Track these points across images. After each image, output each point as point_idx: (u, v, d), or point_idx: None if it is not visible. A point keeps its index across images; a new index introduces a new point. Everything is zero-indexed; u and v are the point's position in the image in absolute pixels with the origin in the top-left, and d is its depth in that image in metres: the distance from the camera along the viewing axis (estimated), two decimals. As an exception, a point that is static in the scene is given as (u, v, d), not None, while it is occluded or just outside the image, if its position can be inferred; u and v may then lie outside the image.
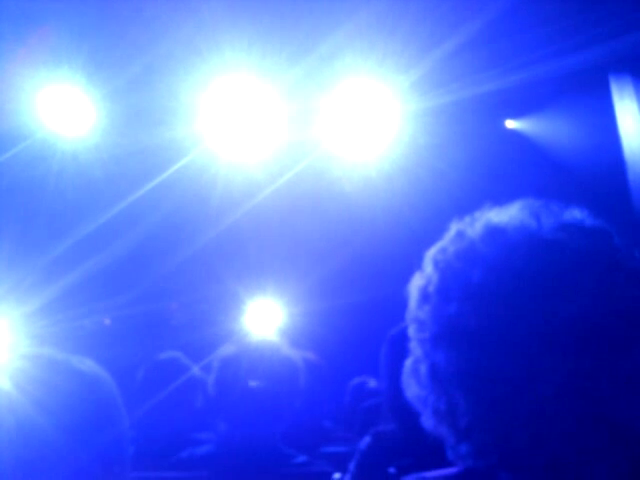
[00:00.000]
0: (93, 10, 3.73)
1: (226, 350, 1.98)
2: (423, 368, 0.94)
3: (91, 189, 4.90)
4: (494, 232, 0.91)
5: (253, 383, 1.84)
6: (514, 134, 5.19)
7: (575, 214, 0.92)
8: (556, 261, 0.85)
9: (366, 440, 1.86)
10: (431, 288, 0.94)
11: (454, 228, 0.98)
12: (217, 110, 4.49)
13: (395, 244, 5.19)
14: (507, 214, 0.93)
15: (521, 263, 0.86)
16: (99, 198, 4.94)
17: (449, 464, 0.93)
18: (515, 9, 3.59)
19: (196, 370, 2.63)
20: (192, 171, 4.79)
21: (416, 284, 0.99)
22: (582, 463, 0.80)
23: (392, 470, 1.60)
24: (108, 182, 4.83)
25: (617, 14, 3.60)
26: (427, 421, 0.95)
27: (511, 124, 5.21)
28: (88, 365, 1.22)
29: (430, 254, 0.99)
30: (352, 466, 1.80)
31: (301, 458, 1.86)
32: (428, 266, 0.97)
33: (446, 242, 0.97)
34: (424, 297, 0.96)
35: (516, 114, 5.14)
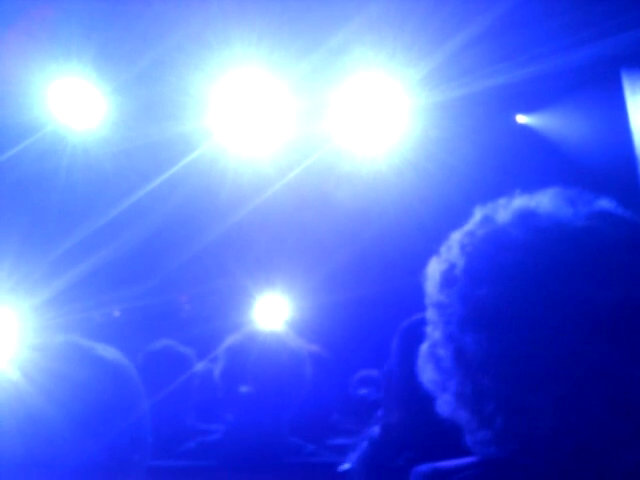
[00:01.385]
0: (103, 3, 3.73)
1: (233, 340, 1.99)
2: (444, 352, 0.93)
3: (101, 182, 4.91)
4: (527, 216, 0.90)
5: (260, 373, 1.85)
6: (525, 129, 5.16)
7: (606, 203, 0.91)
8: (589, 247, 0.84)
9: (375, 431, 1.86)
10: (457, 271, 0.93)
11: (479, 213, 0.97)
12: (227, 104, 4.49)
13: (404, 238, 5.18)
14: (538, 200, 0.93)
15: (554, 247, 0.85)
16: (109, 191, 4.96)
17: (458, 455, 0.93)
18: (526, 1, 3.56)
19: (192, 356, 2.63)
20: (201, 165, 4.80)
21: (436, 268, 0.98)
22: (609, 450, 0.80)
23: (400, 462, 1.60)
24: (118, 175, 4.84)
25: (629, 7, 3.57)
26: (444, 406, 0.95)
27: (522, 119, 5.18)
28: (111, 353, 1.22)
29: (454, 238, 0.98)
30: (361, 456, 1.80)
31: (309, 448, 1.86)
32: (452, 250, 0.97)
33: (472, 226, 0.96)
34: (448, 280, 0.95)
35: (527, 109, 5.11)
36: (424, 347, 0.99)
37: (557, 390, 0.81)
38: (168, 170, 4.75)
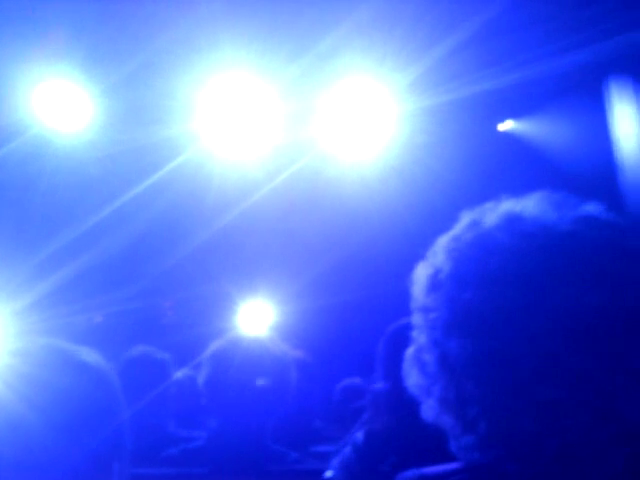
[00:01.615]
0: (91, 5, 3.72)
1: (217, 347, 1.98)
2: (429, 357, 0.93)
3: (86, 186, 4.88)
4: (512, 220, 0.90)
5: (244, 380, 1.84)
6: (510, 135, 5.20)
7: (592, 208, 0.92)
8: (574, 251, 0.85)
9: (359, 437, 1.86)
10: (442, 276, 0.93)
11: (466, 217, 0.97)
12: (214, 108, 4.48)
13: (389, 243, 5.19)
14: (524, 204, 0.93)
15: (540, 251, 0.85)
16: (94, 195, 4.93)
17: (443, 460, 0.93)
18: (513, 8, 3.59)
19: (169, 362, 2.62)
20: (188, 169, 4.78)
21: (423, 272, 0.98)
22: (590, 457, 0.80)
23: (385, 467, 1.60)
24: (103, 179, 4.82)
25: (614, 14, 3.61)
26: (429, 411, 0.94)
27: (507, 125, 5.22)
28: (93, 357, 1.20)
29: (441, 243, 0.98)
30: (344, 462, 1.80)
31: (292, 456, 1.86)
32: (438, 254, 0.97)
33: (459, 231, 0.96)
34: (434, 285, 0.94)
35: (512, 115, 5.15)
36: (409, 352, 0.99)
37: (540, 395, 0.81)
38: (154, 174, 4.73)
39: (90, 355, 1.20)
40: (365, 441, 1.83)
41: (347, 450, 1.81)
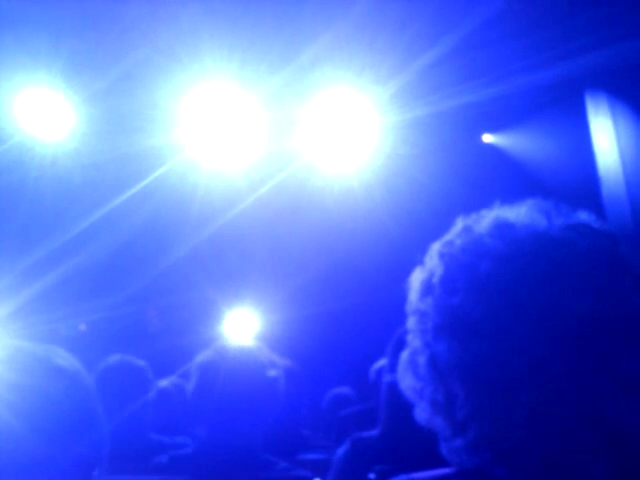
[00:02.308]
0: (73, 14, 3.71)
1: (204, 356, 1.97)
2: (422, 359, 0.94)
3: (70, 194, 4.85)
4: (503, 227, 0.92)
5: (232, 389, 1.84)
6: (491, 147, 5.27)
7: (582, 216, 0.93)
8: (563, 258, 0.86)
9: (344, 447, 1.87)
10: (435, 280, 0.94)
11: (460, 223, 0.99)
12: (197, 118, 4.48)
13: (374, 253, 5.22)
14: (515, 212, 0.95)
15: (528, 257, 0.87)
16: (78, 203, 4.90)
17: (431, 467, 0.93)
18: (492, 23, 3.65)
19: (147, 369, 2.61)
20: (172, 178, 4.78)
21: (418, 277, 0.99)
22: (578, 462, 0.80)
23: (372, 476, 1.61)
24: (87, 187, 4.79)
25: (593, 29, 3.68)
26: (422, 413, 0.95)
27: (488, 138, 5.29)
28: (69, 361, 1.18)
29: (435, 247, 0.99)
30: (331, 473, 1.80)
31: (281, 465, 1.85)
32: (432, 259, 0.98)
33: (452, 236, 0.97)
34: (427, 289, 0.96)
35: (493, 128, 5.21)
36: (404, 355, 1.00)
37: (527, 399, 0.82)
38: (138, 183, 4.71)
39: (65, 358, 1.19)
40: (350, 451, 1.84)
41: (334, 462, 1.82)
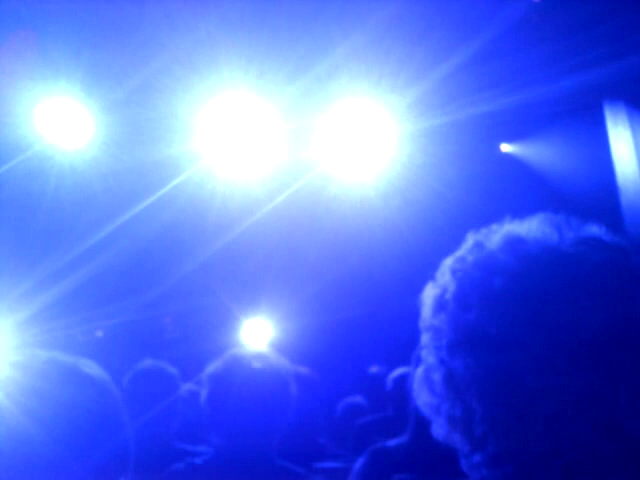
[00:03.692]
0: (93, 24, 3.76)
1: (218, 364, 1.98)
2: (437, 376, 0.94)
3: (88, 202, 4.90)
4: (514, 242, 0.92)
5: (245, 396, 1.84)
6: (509, 157, 5.24)
7: (594, 229, 0.93)
8: (576, 272, 0.86)
9: (363, 458, 1.86)
10: (448, 296, 0.95)
11: (471, 239, 0.99)
12: (215, 127, 4.52)
13: (390, 262, 5.21)
14: (527, 226, 0.95)
15: (541, 273, 0.87)
16: (96, 211, 4.94)
17: (460, 476, 0.93)
18: (511, 32, 3.64)
19: (177, 376, 2.62)
20: (190, 187, 4.81)
21: (430, 293, 1.00)
22: (596, 473, 0.81)
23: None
24: (106, 195, 4.83)
25: (612, 39, 3.66)
26: (439, 429, 0.96)
27: (506, 147, 5.26)
28: (95, 370, 1.19)
29: (447, 264, 0.99)
30: None
31: (297, 472, 1.85)
32: (444, 275, 0.98)
33: (463, 252, 0.98)
34: (440, 305, 0.96)
35: (511, 137, 5.19)
36: (419, 371, 1.00)
37: (544, 413, 0.82)
38: (156, 192, 4.75)
39: (92, 368, 1.19)
40: (368, 463, 1.83)
41: (354, 471, 1.81)
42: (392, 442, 1.87)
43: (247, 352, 2.08)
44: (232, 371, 1.90)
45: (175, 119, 4.42)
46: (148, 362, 2.60)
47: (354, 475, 1.85)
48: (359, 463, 1.89)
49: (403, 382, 2.14)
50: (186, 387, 3.15)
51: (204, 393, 1.97)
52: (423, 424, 1.00)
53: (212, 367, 2.00)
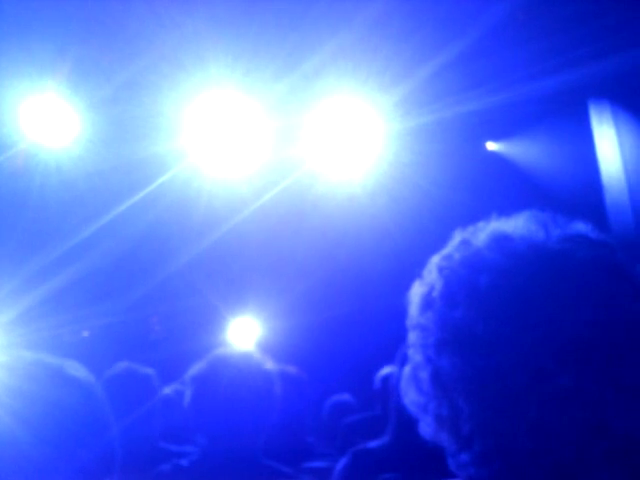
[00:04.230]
0: (78, 21, 3.73)
1: (202, 364, 1.97)
2: (424, 374, 0.94)
3: (74, 201, 4.87)
4: (501, 240, 0.92)
5: (230, 396, 1.83)
6: (495, 155, 5.27)
7: (580, 227, 0.93)
8: (562, 270, 0.86)
9: (344, 460, 1.86)
10: (435, 294, 0.94)
11: (458, 237, 0.99)
12: (201, 125, 4.50)
13: (377, 260, 5.22)
14: (513, 224, 0.95)
15: (528, 270, 0.87)
16: (82, 210, 4.91)
17: (445, 476, 0.93)
18: (497, 31, 3.66)
19: (154, 377, 2.61)
20: (176, 185, 4.79)
21: (417, 291, 0.99)
22: (583, 471, 0.81)
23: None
24: (91, 194, 4.80)
25: (597, 38, 3.69)
26: (426, 428, 0.95)
27: (492, 146, 5.29)
28: (81, 371, 1.19)
29: (433, 262, 0.99)
30: None
31: (284, 472, 1.85)
32: (431, 273, 0.98)
33: (450, 250, 0.98)
34: (427, 303, 0.96)
35: (497, 136, 5.21)
36: (406, 370, 1.00)
37: (531, 411, 0.82)
38: (142, 190, 4.72)
39: (78, 369, 1.19)
40: (350, 464, 1.83)
41: (335, 472, 1.81)
42: (374, 442, 1.87)
43: (231, 352, 2.07)
44: (216, 371, 1.89)
45: (161, 117, 4.40)
46: (122, 365, 2.59)
47: (335, 476, 1.84)
48: (341, 464, 1.89)
49: (391, 381, 2.14)
50: (172, 387, 3.14)
51: (188, 394, 1.96)
52: (405, 423, 1.00)
53: (196, 367, 1.99)
